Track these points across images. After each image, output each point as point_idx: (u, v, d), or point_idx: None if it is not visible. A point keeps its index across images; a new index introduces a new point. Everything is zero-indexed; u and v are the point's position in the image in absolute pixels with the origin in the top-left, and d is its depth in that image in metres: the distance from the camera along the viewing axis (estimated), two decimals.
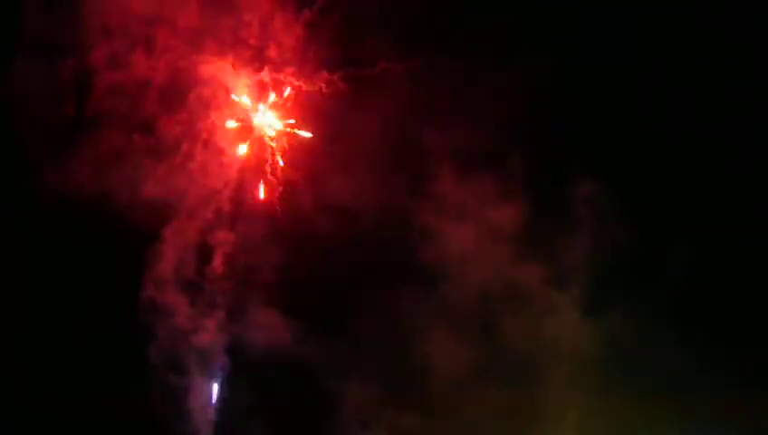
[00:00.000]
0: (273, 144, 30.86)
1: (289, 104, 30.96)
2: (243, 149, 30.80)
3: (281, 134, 31.09)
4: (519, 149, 31.72)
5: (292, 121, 31.05)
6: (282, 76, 30.45)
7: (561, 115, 32.02)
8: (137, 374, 30.10)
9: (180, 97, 29.73)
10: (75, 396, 30.09)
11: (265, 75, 30.33)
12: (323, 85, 30.26)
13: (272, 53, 30.15)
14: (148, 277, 29.88)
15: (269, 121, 30.82)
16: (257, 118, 30.86)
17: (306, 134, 30.73)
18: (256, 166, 30.82)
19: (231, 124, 30.57)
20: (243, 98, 30.61)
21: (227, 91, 30.28)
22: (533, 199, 32.06)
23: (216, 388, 30.91)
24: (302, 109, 30.87)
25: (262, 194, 30.88)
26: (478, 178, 31.74)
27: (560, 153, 32.12)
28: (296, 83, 30.45)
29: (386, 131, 31.07)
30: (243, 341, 30.95)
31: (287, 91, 30.66)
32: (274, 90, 30.80)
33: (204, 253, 30.78)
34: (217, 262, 30.61)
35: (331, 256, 31.24)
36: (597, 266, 32.35)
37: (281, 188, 30.90)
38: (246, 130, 30.92)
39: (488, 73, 31.32)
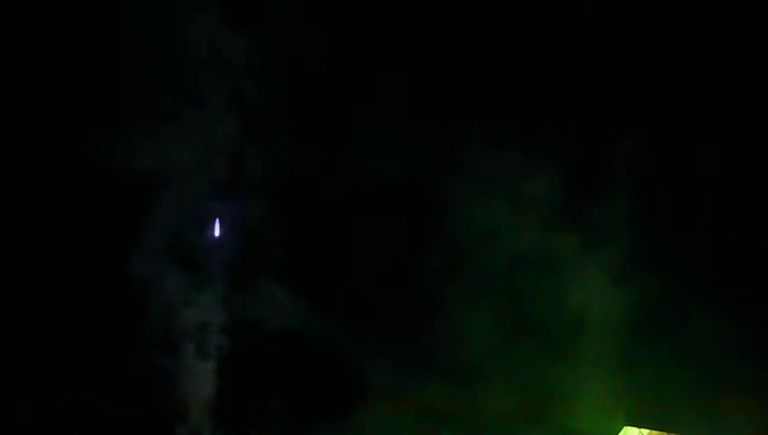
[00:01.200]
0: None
1: (290, 72, 29.49)
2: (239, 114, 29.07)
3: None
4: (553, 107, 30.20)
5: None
6: (282, 40, 28.73)
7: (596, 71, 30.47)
8: (127, 354, 29.55)
9: (172, 60, 28.29)
10: (63, 380, 29.61)
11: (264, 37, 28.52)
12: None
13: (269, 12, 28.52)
14: (139, 249, 29.16)
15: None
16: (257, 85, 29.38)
17: None
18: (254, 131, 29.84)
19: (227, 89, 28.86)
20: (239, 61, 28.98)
21: (222, 54, 28.45)
22: (565, 162, 30.55)
23: (214, 369, 30.18)
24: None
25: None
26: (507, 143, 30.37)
27: (597, 111, 30.23)
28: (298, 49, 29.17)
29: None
30: (245, 317, 30.28)
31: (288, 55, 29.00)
32: (274, 54, 29.10)
33: (200, 222, 29.48)
34: (215, 232, 29.54)
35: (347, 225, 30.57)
36: (637, 232, 31.11)
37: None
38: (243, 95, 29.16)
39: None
